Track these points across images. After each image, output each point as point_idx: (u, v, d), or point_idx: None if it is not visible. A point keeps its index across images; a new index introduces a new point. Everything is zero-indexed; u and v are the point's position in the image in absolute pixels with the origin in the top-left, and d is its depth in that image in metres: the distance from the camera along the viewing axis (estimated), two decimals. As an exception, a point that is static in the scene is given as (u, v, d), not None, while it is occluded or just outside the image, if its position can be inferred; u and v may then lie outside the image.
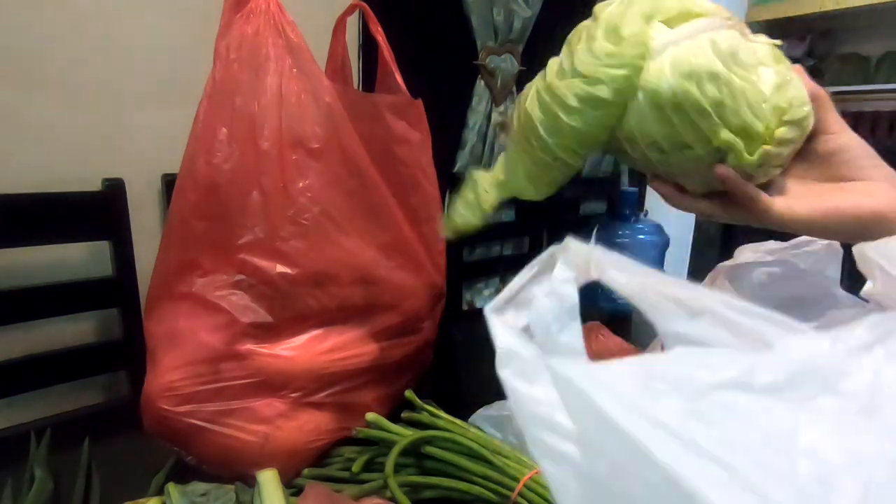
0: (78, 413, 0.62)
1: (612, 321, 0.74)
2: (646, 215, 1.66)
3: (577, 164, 0.39)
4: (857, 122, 2.33)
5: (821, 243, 0.46)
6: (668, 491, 0.13)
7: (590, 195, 1.75)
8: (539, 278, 0.22)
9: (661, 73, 0.34)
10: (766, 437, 0.14)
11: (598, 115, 0.35)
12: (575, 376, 0.15)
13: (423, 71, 0.75)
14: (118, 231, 0.77)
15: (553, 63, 0.38)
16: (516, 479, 0.39)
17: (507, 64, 1.34)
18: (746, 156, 0.35)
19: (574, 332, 0.21)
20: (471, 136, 1.34)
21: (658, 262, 1.56)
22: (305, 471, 0.45)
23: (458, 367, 0.76)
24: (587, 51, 0.35)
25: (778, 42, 0.38)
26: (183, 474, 0.41)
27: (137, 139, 0.86)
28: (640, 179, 2.02)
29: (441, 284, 0.57)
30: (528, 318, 0.21)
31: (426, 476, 0.43)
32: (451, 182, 1.26)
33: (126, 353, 0.79)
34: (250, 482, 0.38)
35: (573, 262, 0.21)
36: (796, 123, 0.35)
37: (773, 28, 2.42)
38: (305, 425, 0.45)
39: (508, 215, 1.46)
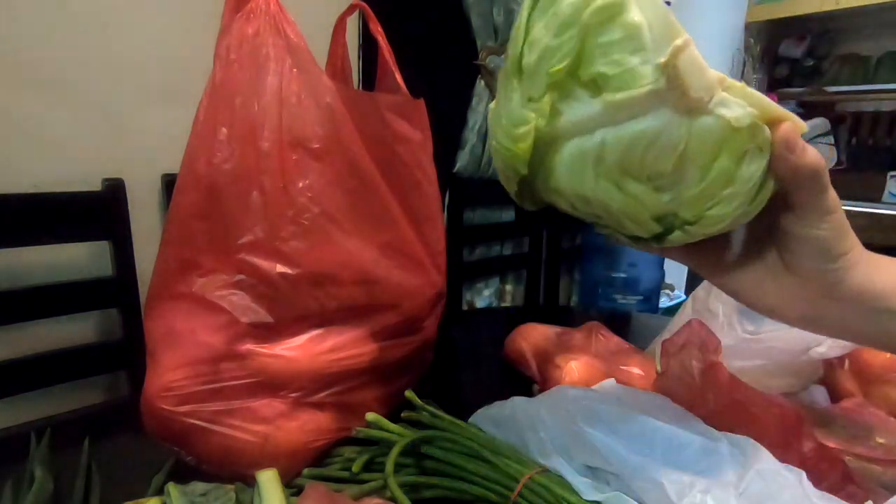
0: (78, 413, 0.62)
1: (612, 321, 0.74)
2: (646, 215, 1.63)
3: (510, 189, 0.35)
4: (857, 122, 2.33)
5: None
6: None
7: (590, 195, 1.75)
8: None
9: (559, 174, 0.30)
10: None
11: (513, 167, 0.31)
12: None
13: (423, 71, 0.75)
14: (118, 231, 0.77)
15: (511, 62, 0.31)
16: (516, 479, 0.39)
17: (507, 64, 1.34)
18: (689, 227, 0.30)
19: None
20: (471, 136, 1.34)
21: (658, 261, 1.56)
22: (305, 471, 0.45)
23: (458, 367, 0.76)
24: (505, 103, 0.31)
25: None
26: (183, 474, 0.41)
27: (137, 139, 0.86)
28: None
29: (441, 284, 0.57)
30: None
31: (426, 476, 0.43)
32: (451, 182, 1.27)
33: (126, 353, 0.80)
34: (250, 482, 0.38)
35: None
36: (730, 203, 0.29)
37: (773, 28, 2.42)
38: (305, 425, 0.45)
39: (508, 215, 1.46)
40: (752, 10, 2.32)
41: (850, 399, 0.50)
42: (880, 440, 0.42)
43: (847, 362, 0.53)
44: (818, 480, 0.34)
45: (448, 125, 1.32)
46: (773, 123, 0.28)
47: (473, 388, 0.70)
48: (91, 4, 0.79)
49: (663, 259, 1.56)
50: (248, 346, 0.43)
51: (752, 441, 0.36)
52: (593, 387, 0.49)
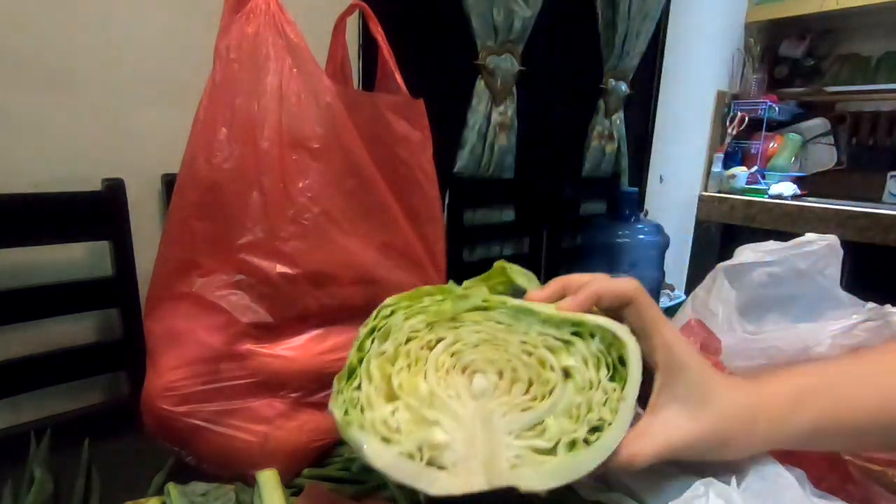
0: (78, 413, 0.62)
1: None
2: (646, 215, 1.65)
3: None
4: (857, 122, 2.33)
5: (821, 243, 0.46)
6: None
7: (590, 195, 1.75)
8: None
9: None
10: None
11: None
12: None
13: (423, 71, 0.76)
14: (118, 231, 0.77)
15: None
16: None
17: (507, 64, 1.34)
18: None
19: None
20: (471, 136, 1.34)
21: (658, 262, 1.56)
22: (305, 471, 0.45)
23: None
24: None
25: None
26: (183, 474, 0.41)
27: (137, 139, 0.86)
28: (639, 179, 2.02)
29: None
30: None
31: (426, 476, 0.43)
32: (451, 182, 1.27)
33: (126, 353, 0.80)
34: (250, 482, 0.38)
35: None
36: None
37: (773, 28, 2.42)
38: (305, 425, 0.45)
39: (508, 215, 1.46)
40: (752, 10, 2.32)
41: (851, 399, 0.50)
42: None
43: (847, 362, 0.53)
44: (818, 480, 0.34)
45: (448, 125, 1.32)
46: None
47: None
48: (91, 5, 0.79)
49: (663, 259, 1.56)
50: (248, 346, 0.43)
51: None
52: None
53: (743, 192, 2.25)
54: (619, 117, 1.73)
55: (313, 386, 0.45)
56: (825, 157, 2.41)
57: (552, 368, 0.31)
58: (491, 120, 1.36)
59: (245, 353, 0.43)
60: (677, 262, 2.33)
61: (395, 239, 0.50)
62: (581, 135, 1.71)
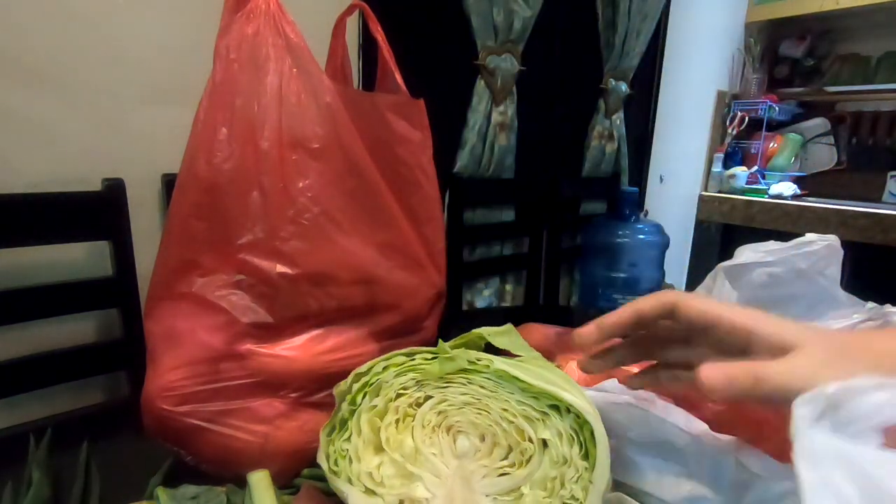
0: (78, 413, 0.62)
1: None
2: (646, 215, 1.65)
3: None
4: (857, 122, 2.33)
5: (821, 243, 0.46)
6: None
7: (590, 195, 1.75)
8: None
9: None
10: None
11: None
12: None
13: (423, 71, 0.75)
14: (118, 231, 0.77)
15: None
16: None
17: (507, 64, 1.34)
18: None
19: None
20: (471, 136, 1.34)
21: (658, 261, 1.56)
22: (305, 471, 0.45)
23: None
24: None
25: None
26: (182, 475, 0.41)
27: (137, 139, 0.86)
28: (640, 179, 2.02)
29: (441, 284, 0.57)
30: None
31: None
32: (451, 182, 1.27)
33: (126, 353, 0.79)
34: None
35: None
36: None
37: (773, 28, 2.42)
38: (305, 425, 0.45)
39: (508, 215, 1.46)
40: (752, 10, 2.32)
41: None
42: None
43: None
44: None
45: (448, 125, 1.32)
46: None
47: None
48: (91, 4, 0.79)
49: (663, 259, 1.56)
50: (248, 346, 0.43)
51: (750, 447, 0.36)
52: (594, 387, 0.49)
53: (743, 191, 2.25)
54: (619, 117, 1.73)
55: (313, 386, 0.45)
56: (825, 156, 2.41)
57: (530, 439, 0.32)
58: (491, 120, 1.35)
59: (245, 353, 0.43)
60: (677, 262, 2.33)
61: (395, 239, 0.50)
62: (581, 135, 1.71)
